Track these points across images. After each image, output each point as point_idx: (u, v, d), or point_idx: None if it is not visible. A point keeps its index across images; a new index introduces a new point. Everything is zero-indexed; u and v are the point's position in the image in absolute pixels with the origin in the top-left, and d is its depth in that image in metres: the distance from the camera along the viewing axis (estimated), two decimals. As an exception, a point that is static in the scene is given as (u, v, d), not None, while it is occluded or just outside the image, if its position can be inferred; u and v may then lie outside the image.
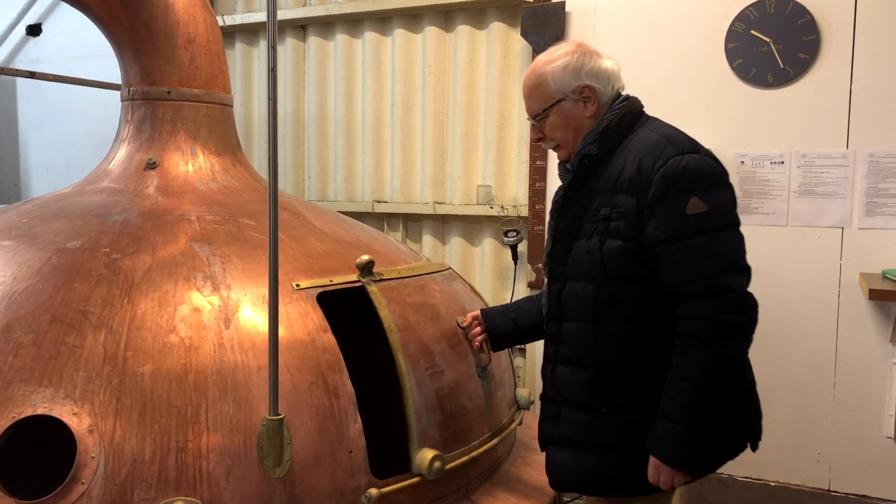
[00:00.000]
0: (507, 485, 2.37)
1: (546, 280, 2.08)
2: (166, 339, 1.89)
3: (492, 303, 3.30)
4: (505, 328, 2.33)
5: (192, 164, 2.55)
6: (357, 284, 2.24)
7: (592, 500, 2.06)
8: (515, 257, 3.91)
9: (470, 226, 4.16)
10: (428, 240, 4.24)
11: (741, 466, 3.48)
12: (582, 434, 1.93)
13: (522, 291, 3.96)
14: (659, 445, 1.80)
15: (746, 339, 1.80)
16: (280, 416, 1.80)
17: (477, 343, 2.37)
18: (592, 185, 1.95)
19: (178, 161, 2.53)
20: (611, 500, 1.98)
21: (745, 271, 1.81)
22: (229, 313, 1.98)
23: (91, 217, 2.28)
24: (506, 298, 4.01)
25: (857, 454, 3.27)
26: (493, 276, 4.08)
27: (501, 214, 3.96)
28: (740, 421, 1.92)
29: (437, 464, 2.04)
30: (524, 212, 3.90)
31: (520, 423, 2.59)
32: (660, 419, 1.80)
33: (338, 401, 1.96)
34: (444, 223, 4.23)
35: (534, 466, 2.57)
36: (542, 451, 2.07)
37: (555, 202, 2.07)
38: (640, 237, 1.82)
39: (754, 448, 1.99)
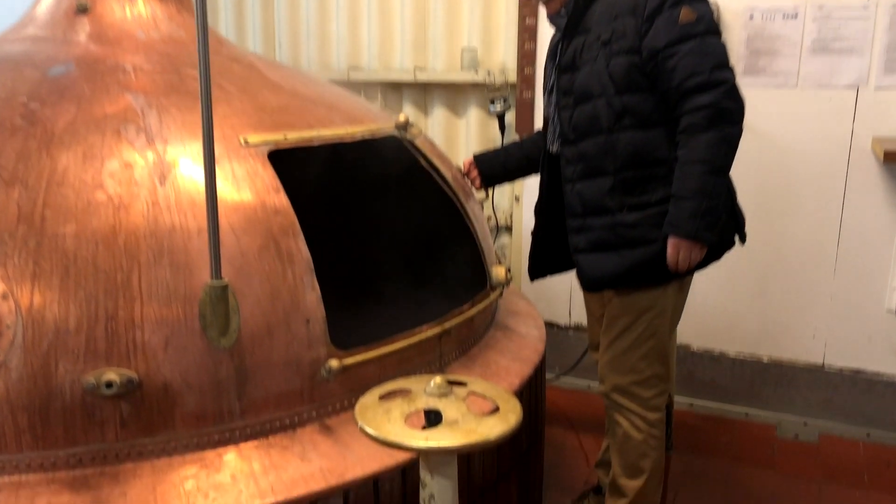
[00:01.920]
0: (484, 359, 2.21)
1: (550, 117, 2.29)
2: (91, 197, 1.66)
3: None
4: (495, 171, 2.62)
5: (129, 10, 2.23)
6: (313, 143, 1.99)
7: (618, 301, 2.21)
8: (502, 128, 3.65)
9: (454, 95, 3.86)
10: (409, 111, 3.94)
11: (733, 342, 3.36)
12: (608, 235, 2.14)
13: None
14: (675, 224, 2.01)
15: (740, 125, 2.01)
16: (224, 282, 1.59)
17: (478, 183, 2.62)
18: (588, 21, 2.15)
19: (113, 6, 2.22)
20: (634, 292, 2.17)
21: (732, 70, 2.03)
22: (165, 169, 1.74)
23: (10, 66, 2.00)
24: (492, 172, 3.77)
25: (855, 329, 3.14)
26: (479, 149, 3.80)
27: (488, 81, 3.65)
28: (730, 216, 2.18)
29: (509, 275, 2.35)
30: (512, 77, 3.60)
31: (500, 297, 2.41)
32: (674, 202, 2.02)
33: (292, 267, 1.75)
34: (425, 92, 3.93)
35: (512, 340, 2.41)
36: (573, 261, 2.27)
37: (551, 47, 2.30)
38: (641, 50, 2.03)
39: (742, 240, 2.25)
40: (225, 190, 1.75)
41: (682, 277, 2.16)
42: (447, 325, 2.03)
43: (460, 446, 1.33)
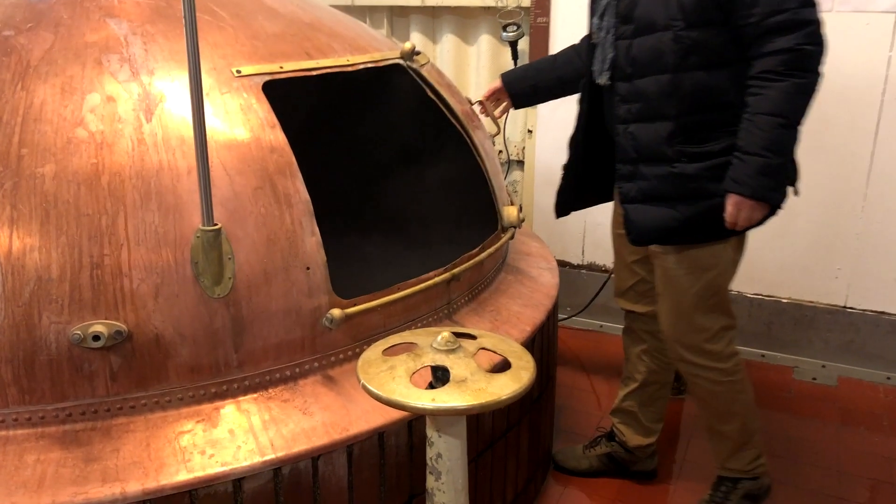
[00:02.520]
0: (495, 305, 2.11)
1: (600, 42, 2.02)
2: (72, 134, 1.53)
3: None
4: (524, 92, 2.41)
5: (112, -73, 2.05)
6: (312, 73, 1.84)
7: (674, 257, 2.03)
8: (515, 56, 3.45)
9: (464, 20, 3.65)
10: (417, 38, 3.74)
11: (752, 283, 3.25)
12: (661, 186, 1.95)
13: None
14: (739, 180, 1.82)
15: (819, 72, 1.81)
16: (216, 227, 1.48)
17: (499, 113, 2.44)
18: None
19: (94, -78, 2.04)
20: (692, 248, 2.00)
21: (817, 6, 1.80)
22: (151, 103, 1.61)
23: (-18, -11, 1.84)
24: (503, 104, 3.60)
25: (881, 269, 3.01)
26: (490, 79, 3.60)
27: (500, 5, 3.44)
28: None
29: (522, 216, 2.22)
30: (526, 1, 3.38)
31: (511, 239, 2.29)
32: (738, 156, 1.82)
33: (290, 210, 1.63)
34: (434, 17, 3.72)
35: (524, 284, 2.31)
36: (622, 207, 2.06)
37: None
38: None
39: (796, 191, 2.03)
40: (216, 126, 1.62)
41: (740, 234, 2.00)
42: (456, 270, 1.92)
43: (469, 407, 1.24)
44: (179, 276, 1.50)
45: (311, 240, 1.64)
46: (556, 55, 2.40)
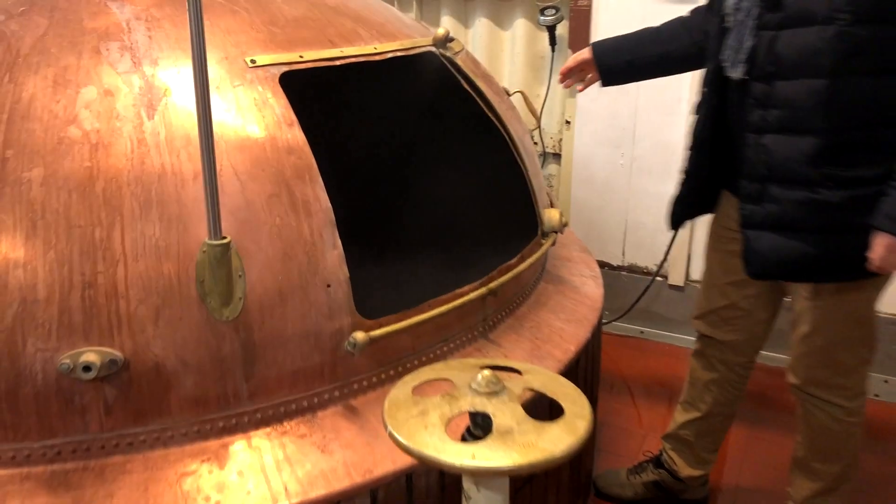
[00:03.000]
0: (535, 321, 1.91)
1: (733, 26, 1.68)
2: (63, 134, 1.35)
3: (521, 103, 2.66)
4: (618, 67, 2.04)
5: None
6: (335, 63, 1.65)
7: (808, 295, 1.78)
8: (553, 42, 3.22)
9: (498, 3, 3.41)
10: (447, 22, 3.52)
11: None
12: (796, 213, 1.64)
13: (560, 85, 3.30)
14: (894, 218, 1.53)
15: None
16: (225, 240, 1.30)
17: (581, 88, 2.14)
18: None
19: None
20: (831, 287, 1.74)
21: None
22: (154, 98, 1.43)
23: (-28, -32, 1.67)
24: (540, 94, 3.38)
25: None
26: (526, 67, 3.40)
27: (537, -13, 3.21)
28: None
29: (564, 219, 1.98)
30: (566, -17, 3.15)
31: (552, 245, 2.08)
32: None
33: (309, 220, 1.44)
34: (466, 0, 3.49)
35: (566, 294, 2.11)
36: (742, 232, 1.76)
37: None
38: None
39: None
40: (226, 124, 1.44)
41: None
42: (493, 285, 1.72)
43: (516, 467, 1.04)
44: (183, 297, 1.32)
45: (333, 253, 1.46)
46: (658, 27, 2.02)
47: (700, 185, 1.94)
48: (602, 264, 3.34)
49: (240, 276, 1.35)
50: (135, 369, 1.30)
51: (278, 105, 1.51)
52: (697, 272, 3.18)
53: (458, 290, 1.66)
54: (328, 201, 1.47)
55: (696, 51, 1.91)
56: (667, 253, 3.15)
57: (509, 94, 2.35)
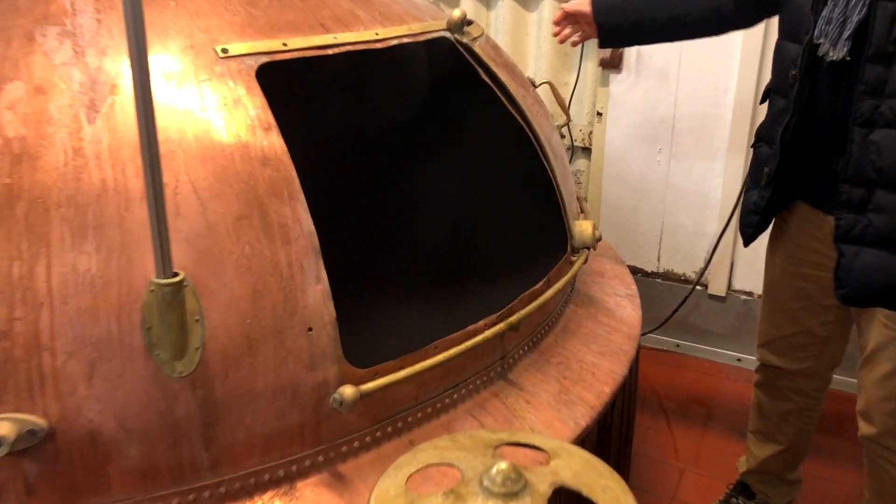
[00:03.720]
0: (563, 355, 1.63)
1: None
2: (-21, 143, 1.09)
3: (548, 95, 2.36)
4: (621, 28, 1.82)
5: None
6: (327, 52, 1.37)
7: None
8: (584, 25, 2.91)
9: (524, -18, 3.11)
10: (467, 3, 3.21)
11: None
12: None
13: (591, 73, 3.00)
14: None
15: None
16: (177, 278, 1.03)
17: (573, 43, 1.94)
18: None
19: None
20: None
21: None
22: (98, 97, 1.16)
23: None
24: (569, 82, 3.07)
25: None
26: (553, 53, 3.09)
27: (567, -37, 2.89)
28: None
29: (598, 232, 1.73)
30: (599, -41, 2.82)
31: (584, 262, 1.79)
32: None
33: (287, 247, 1.17)
34: (489, -21, 3.19)
35: (599, 319, 1.82)
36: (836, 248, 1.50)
37: None
38: None
39: None
40: (186, 129, 1.16)
41: None
42: (513, 319, 1.44)
43: None
44: (125, 348, 1.06)
45: (316, 289, 1.18)
46: None
47: (780, 192, 1.68)
48: (635, 270, 3.05)
49: (197, 320, 1.09)
50: (63, 439, 1.04)
51: (253, 105, 1.23)
52: (741, 281, 2.88)
53: (472, 328, 1.38)
54: (311, 224, 1.19)
55: (713, 16, 1.71)
56: (709, 260, 2.85)
57: (535, 86, 2.05)
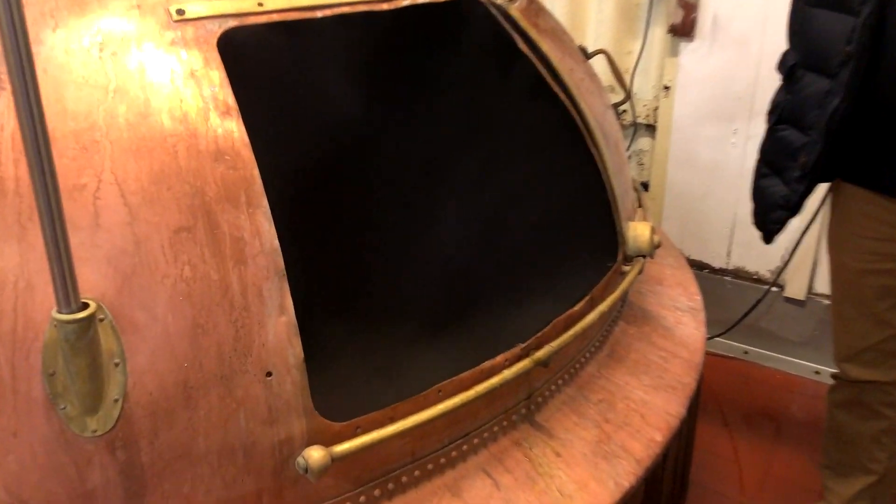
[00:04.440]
0: (607, 390, 1.33)
1: None
2: None
3: (605, 66, 2.03)
4: None
5: None
6: (315, 14, 1.08)
7: None
8: (654, -16, 2.55)
9: (585, -65, 2.74)
10: (522, -40, 2.87)
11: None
12: None
13: (659, 40, 2.63)
14: None
15: None
16: (87, 311, 0.79)
17: None
18: None
19: None
20: None
21: None
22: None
23: None
24: (633, 51, 2.71)
25: None
26: (617, 15, 2.72)
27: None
28: None
29: (657, 237, 1.45)
30: None
31: (639, 273, 1.47)
32: None
33: (241, 268, 0.91)
34: (545, -68, 2.83)
35: (653, 341, 1.52)
36: None
37: None
38: None
39: None
40: (118, 111, 0.91)
41: None
42: (540, 354, 1.14)
43: None
44: (21, 400, 0.82)
45: (279, 322, 0.92)
46: None
47: (815, 182, 1.53)
48: (701, 265, 2.71)
49: (117, 364, 0.84)
50: (-60, 515, 0.82)
51: (210, 81, 0.97)
52: (824, 284, 2.52)
53: (487, 365, 1.09)
54: (275, 237, 0.93)
55: None
56: (788, 258, 2.49)
57: (588, 55, 1.73)
